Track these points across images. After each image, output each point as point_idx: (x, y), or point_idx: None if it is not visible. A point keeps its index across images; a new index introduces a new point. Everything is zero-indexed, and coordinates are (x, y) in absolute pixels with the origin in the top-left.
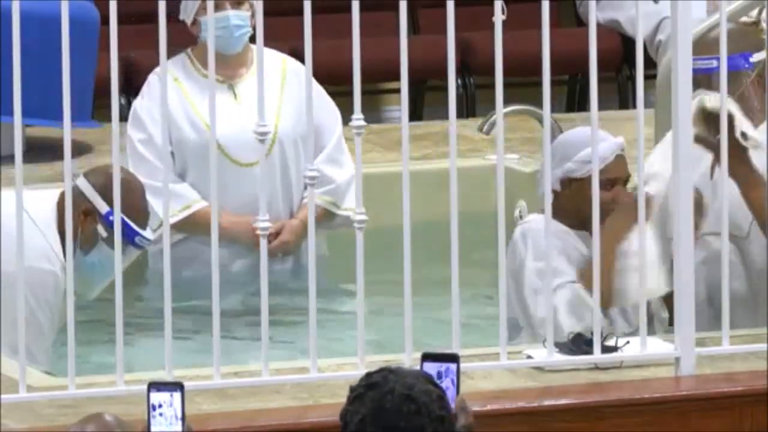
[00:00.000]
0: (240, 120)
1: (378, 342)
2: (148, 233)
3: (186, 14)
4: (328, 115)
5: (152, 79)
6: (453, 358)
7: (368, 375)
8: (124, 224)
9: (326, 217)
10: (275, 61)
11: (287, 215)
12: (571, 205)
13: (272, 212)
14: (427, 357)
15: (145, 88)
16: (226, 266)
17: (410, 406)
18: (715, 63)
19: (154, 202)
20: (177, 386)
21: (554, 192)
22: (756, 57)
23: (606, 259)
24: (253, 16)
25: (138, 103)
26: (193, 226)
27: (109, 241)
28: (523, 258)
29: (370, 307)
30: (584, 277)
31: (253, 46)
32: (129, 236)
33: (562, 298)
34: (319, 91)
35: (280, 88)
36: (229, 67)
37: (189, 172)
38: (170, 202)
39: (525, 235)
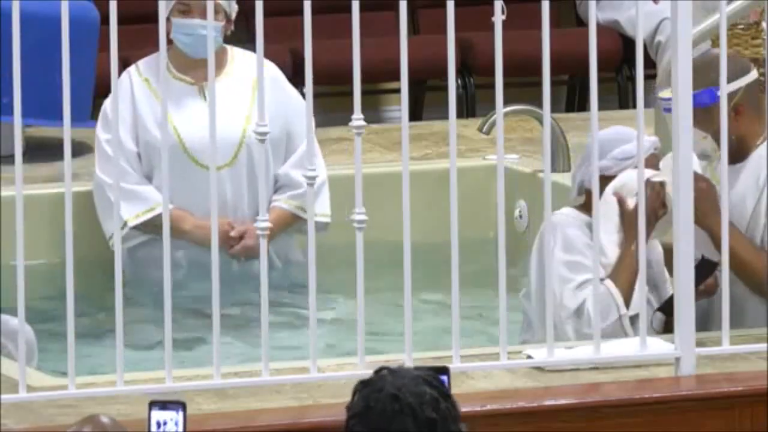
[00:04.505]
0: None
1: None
2: None
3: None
4: (301, 120)
5: (123, 77)
6: (443, 371)
7: (376, 371)
8: None
9: (295, 221)
10: (250, 63)
11: (253, 219)
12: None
13: (238, 216)
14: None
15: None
16: (188, 269)
17: (395, 406)
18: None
19: (121, 204)
20: (179, 405)
21: (587, 190)
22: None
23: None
24: (228, 21)
25: (108, 102)
26: (157, 229)
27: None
28: (551, 249)
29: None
30: (613, 274)
31: (229, 47)
32: None
33: (590, 294)
34: (293, 94)
35: (253, 91)
36: (201, 70)
37: (155, 174)
38: (134, 203)
39: (554, 227)
